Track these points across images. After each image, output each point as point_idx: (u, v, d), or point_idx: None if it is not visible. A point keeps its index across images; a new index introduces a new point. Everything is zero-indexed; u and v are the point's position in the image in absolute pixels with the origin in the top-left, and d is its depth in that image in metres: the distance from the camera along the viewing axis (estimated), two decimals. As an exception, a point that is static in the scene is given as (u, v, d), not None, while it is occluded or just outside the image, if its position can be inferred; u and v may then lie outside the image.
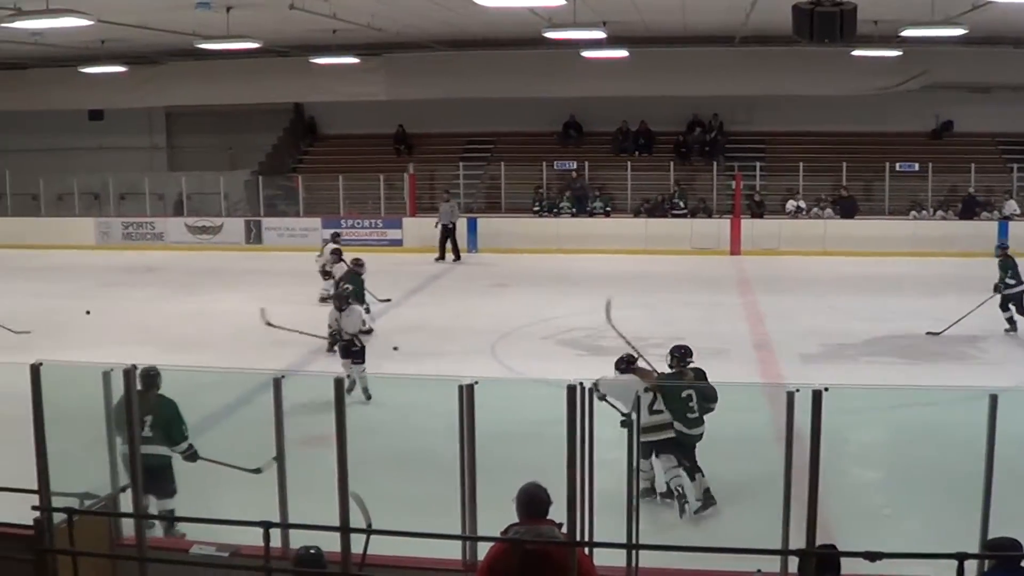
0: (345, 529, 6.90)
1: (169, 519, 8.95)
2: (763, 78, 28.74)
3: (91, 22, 16.39)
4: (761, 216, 29.84)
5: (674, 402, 10.29)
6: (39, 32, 21.08)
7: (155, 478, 8.73)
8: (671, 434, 10.24)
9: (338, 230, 24.76)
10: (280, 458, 7.52)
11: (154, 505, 9.01)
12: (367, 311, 18.11)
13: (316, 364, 16.09)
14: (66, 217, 32.12)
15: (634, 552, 6.91)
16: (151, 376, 9.23)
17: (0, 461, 9.84)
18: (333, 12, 19.92)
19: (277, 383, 7.41)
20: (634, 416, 7.60)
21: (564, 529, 6.27)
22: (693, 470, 10.16)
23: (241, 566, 7.33)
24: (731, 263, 27.80)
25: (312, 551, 6.41)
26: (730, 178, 30.49)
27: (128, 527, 7.85)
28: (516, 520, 5.97)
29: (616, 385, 9.84)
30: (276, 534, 7.02)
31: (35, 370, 7.40)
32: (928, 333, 17.94)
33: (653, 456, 10.32)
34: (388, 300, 21.09)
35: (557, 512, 6.21)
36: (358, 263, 19.40)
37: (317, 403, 8.04)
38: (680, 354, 10.70)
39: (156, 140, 36.20)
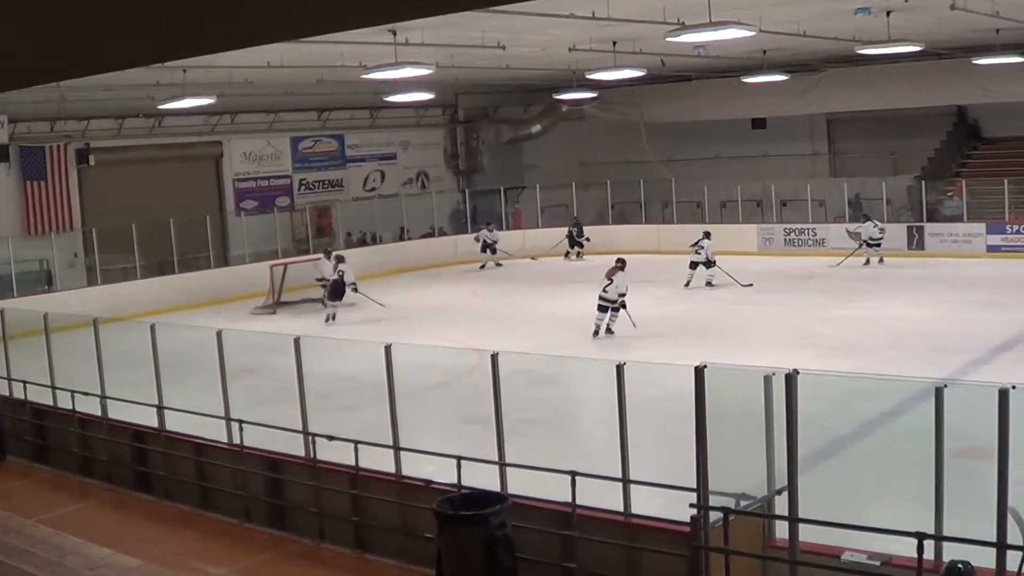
0: (1001, 545, 6.66)
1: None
2: None
3: (753, 33, 16.91)
4: None
5: None
6: (702, 45, 22.23)
7: None
8: None
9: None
10: (940, 471, 7.35)
11: None
12: None
13: (977, 374, 15.44)
14: (729, 224, 33.35)
15: None
16: None
17: (660, 458, 10.59)
18: (996, 11, 19.07)
19: (939, 392, 7.29)
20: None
21: None
22: None
23: (891, 576, 7.28)
24: None
25: (961, 565, 6.37)
26: None
27: (781, 529, 8.07)
28: None
29: None
30: (929, 546, 6.91)
31: (699, 372, 7.86)
32: None
33: None
34: None
35: None
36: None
37: (980, 411, 7.77)
38: None
39: (818, 147, 36.53)
